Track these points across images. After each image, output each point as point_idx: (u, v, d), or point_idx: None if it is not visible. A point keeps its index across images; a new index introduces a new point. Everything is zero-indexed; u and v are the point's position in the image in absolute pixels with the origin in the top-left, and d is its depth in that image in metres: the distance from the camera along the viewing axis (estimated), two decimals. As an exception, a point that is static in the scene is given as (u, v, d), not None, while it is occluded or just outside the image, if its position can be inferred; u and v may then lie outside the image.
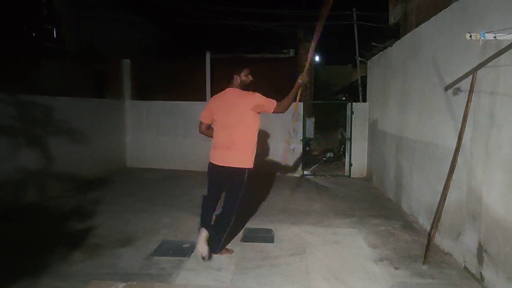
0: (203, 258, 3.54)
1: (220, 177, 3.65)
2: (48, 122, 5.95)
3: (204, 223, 3.64)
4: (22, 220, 4.80)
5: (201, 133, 3.91)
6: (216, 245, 3.66)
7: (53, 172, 6.01)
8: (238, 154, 3.53)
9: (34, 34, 7.45)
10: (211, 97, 3.85)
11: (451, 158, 3.56)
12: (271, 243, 4.11)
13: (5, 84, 5.42)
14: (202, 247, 3.50)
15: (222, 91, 3.74)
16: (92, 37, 10.04)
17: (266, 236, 4.31)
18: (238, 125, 3.51)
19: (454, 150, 3.50)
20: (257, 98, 3.55)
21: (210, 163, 3.70)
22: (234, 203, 3.58)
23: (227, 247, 3.86)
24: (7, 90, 5.21)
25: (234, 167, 3.52)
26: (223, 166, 3.57)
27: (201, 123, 3.85)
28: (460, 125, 3.42)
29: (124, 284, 3.15)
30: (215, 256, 3.70)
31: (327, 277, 3.32)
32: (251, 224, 4.75)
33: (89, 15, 9.92)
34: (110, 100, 8.34)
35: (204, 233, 3.54)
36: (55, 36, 8.03)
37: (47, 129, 5.92)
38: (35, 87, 6.17)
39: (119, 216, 4.98)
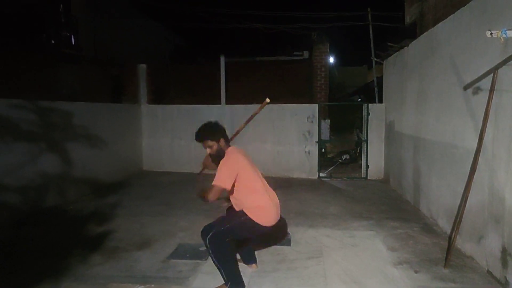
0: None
1: None
2: (66, 127, 6.08)
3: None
4: (42, 224, 4.90)
5: None
6: None
7: (72, 176, 6.14)
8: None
9: (53, 41, 7.63)
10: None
11: (472, 159, 3.48)
12: (287, 246, 4.09)
13: (25, 90, 5.57)
14: None
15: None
16: (108, 43, 10.23)
17: (283, 239, 4.28)
18: None
19: (474, 151, 3.42)
20: (218, 169, 3.04)
21: None
22: (206, 231, 3.00)
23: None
24: (27, 96, 5.35)
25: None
26: None
27: None
28: (480, 125, 3.34)
29: (142, 286, 3.18)
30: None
31: (345, 281, 3.28)
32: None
33: (106, 22, 10.11)
34: (126, 104, 8.48)
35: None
36: (73, 43, 8.21)
37: (66, 134, 6.05)
38: (54, 93, 6.33)
39: (136, 219, 5.03)
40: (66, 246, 4.10)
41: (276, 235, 3.77)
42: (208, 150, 3.16)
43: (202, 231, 3.02)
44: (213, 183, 2.94)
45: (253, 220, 3.02)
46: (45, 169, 5.54)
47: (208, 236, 2.92)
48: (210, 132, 3.16)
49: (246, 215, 3.05)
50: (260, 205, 3.07)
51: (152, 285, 3.21)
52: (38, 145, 5.45)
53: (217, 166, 3.05)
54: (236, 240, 3.34)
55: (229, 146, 3.26)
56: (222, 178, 2.95)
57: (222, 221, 3.08)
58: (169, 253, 3.91)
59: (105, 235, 4.43)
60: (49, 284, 3.21)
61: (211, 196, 2.92)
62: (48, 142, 5.64)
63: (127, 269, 3.54)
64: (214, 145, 3.13)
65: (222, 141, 3.16)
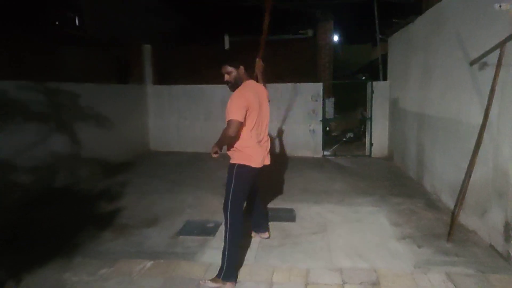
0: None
1: None
2: (75, 108, 6.13)
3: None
4: (54, 202, 5.01)
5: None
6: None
7: (82, 156, 6.24)
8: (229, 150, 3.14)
9: (57, 23, 7.57)
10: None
11: (477, 135, 3.48)
12: (293, 222, 4.17)
13: (32, 72, 5.59)
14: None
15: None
16: (113, 23, 10.10)
17: (288, 216, 4.36)
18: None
19: (479, 127, 3.42)
20: (228, 104, 2.95)
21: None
22: (225, 204, 3.02)
23: (224, 279, 2.89)
24: (35, 78, 5.37)
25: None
26: None
27: None
28: (486, 100, 3.33)
29: (152, 262, 3.28)
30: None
31: (349, 255, 3.36)
32: (273, 204, 4.81)
33: (110, 2, 9.96)
34: (132, 85, 8.49)
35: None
36: (77, 24, 8.14)
37: (74, 115, 6.11)
38: (61, 74, 6.34)
39: (145, 198, 5.14)
40: (77, 223, 4.21)
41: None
42: (226, 77, 3.05)
43: (223, 208, 3.01)
44: (229, 118, 2.85)
45: (243, 165, 2.99)
46: (55, 149, 5.62)
47: (228, 210, 2.93)
48: (231, 57, 3.08)
49: (235, 164, 3.01)
50: (246, 147, 3.00)
51: (162, 261, 3.30)
52: (48, 125, 5.51)
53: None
54: (248, 201, 3.38)
55: (249, 79, 3.14)
56: (237, 111, 2.85)
57: (226, 189, 3.04)
58: (178, 230, 4.01)
59: (115, 213, 4.53)
60: (62, 259, 3.32)
61: (231, 131, 2.82)
62: (57, 122, 5.70)
63: (137, 245, 3.64)
64: (233, 71, 3.03)
65: (241, 70, 3.06)
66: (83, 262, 3.30)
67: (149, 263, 3.25)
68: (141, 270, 3.14)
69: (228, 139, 2.89)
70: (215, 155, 2.86)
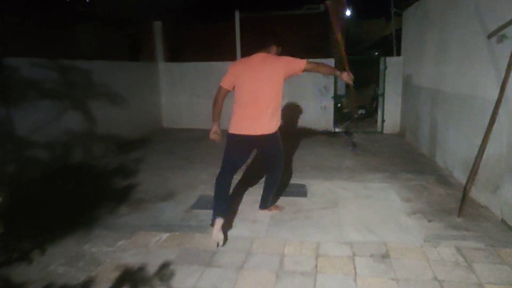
0: (218, 245, 3.11)
1: (248, 147, 3.41)
2: (87, 86, 6.20)
3: (220, 210, 3.19)
4: (71, 178, 5.16)
5: (216, 99, 3.45)
6: (264, 202, 3.77)
7: (96, 133, 6.35)
8: (268, 121, 3.30)
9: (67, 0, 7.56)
10: (237, 60, 3.54)
11: (491, 111, 3.44)
12: (304, 197, 4.23)
13: (45, 50, 5.63)
14: (216, 234, 3.03)
15: (249, 56, 3.41)
16: (123, 0, 10.03)
17: (299, 191, 4.43)
18: (265, 91, 3.24)
19: (495, 102, 3.37)
20: (287, 60, 3.36)
21: (233, 134, 3.34)
22: (280, 162, 3.60)
23: (276, 204, 3.95)
24: (47, 56, 5.42)
25: (267, 134, 3.31)
26: (252, 135, 3.30)
27: (220, 88, 3.41)
28: (503, 75, 3.27)
29: (167, 234, 3.38)
30: (250, 209, 3.88)
31: (359, 229, 3.41)
32: (284, 180, 4.85)
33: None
34: (144, 63, 8.50)
35: (220, 223, 3.08)
36: (87, 1, 8.11)
37: (87, 92, 6.18)
38: (73, 52, 6.38)
39: (159, 173, 5.24)
40: (94, 198, 4.34)
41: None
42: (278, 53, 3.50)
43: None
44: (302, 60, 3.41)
45: (228, 133, 3.35)
46: (70, 126, 5.74)
47: (282, 166, 3.61)
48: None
49: (277, 131, 3.42)
50: (232, 113, 3.35)
51: (177, 233, 3.41)
52: (62, 103, 5.60)
53: None
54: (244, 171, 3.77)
55: (260, 52, 3.42)
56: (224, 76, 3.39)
57: (274, 152, 3.53)
58: (192, 204, 4.11)
59: (130, 188, 4.65)
60: (81, 231, 3.45)
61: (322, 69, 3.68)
62: (70, 100, 5.78)
63: (153, 219, 3.75)
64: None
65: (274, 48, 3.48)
66: (102, 234, 3.41)
67: (165, 235, 3.35)
68: (157, 242, 3.25)
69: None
70: None
